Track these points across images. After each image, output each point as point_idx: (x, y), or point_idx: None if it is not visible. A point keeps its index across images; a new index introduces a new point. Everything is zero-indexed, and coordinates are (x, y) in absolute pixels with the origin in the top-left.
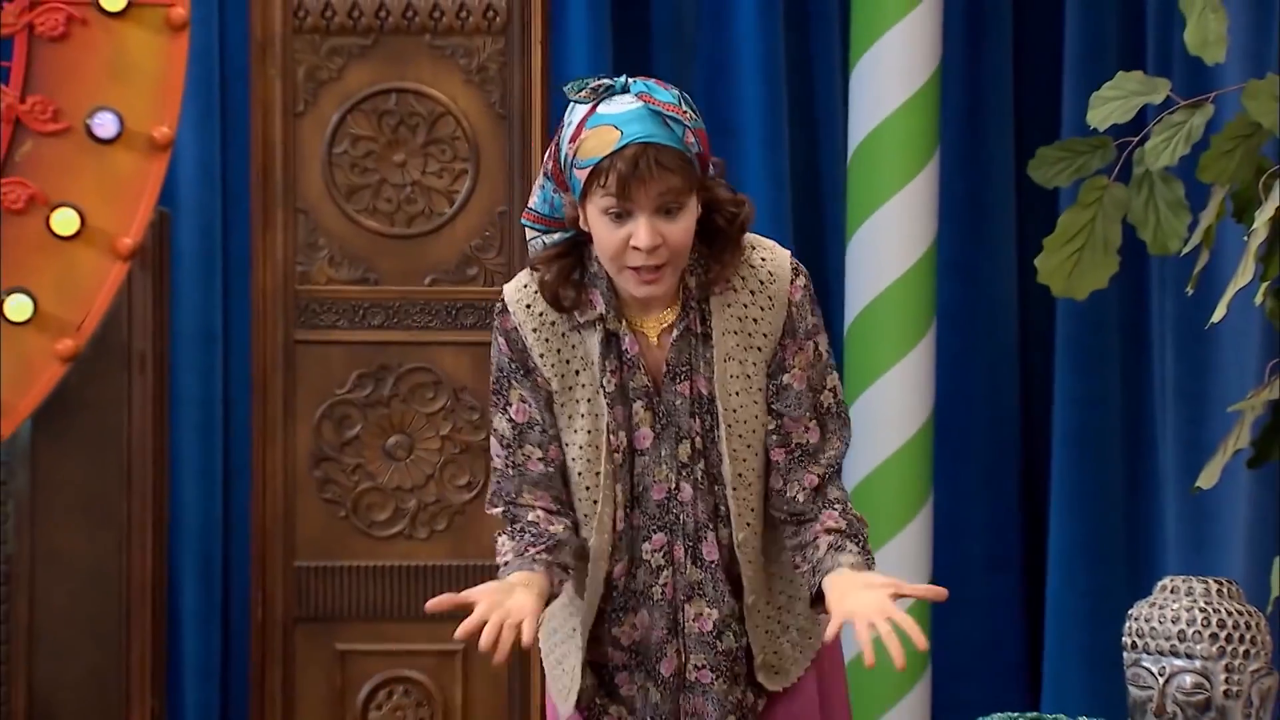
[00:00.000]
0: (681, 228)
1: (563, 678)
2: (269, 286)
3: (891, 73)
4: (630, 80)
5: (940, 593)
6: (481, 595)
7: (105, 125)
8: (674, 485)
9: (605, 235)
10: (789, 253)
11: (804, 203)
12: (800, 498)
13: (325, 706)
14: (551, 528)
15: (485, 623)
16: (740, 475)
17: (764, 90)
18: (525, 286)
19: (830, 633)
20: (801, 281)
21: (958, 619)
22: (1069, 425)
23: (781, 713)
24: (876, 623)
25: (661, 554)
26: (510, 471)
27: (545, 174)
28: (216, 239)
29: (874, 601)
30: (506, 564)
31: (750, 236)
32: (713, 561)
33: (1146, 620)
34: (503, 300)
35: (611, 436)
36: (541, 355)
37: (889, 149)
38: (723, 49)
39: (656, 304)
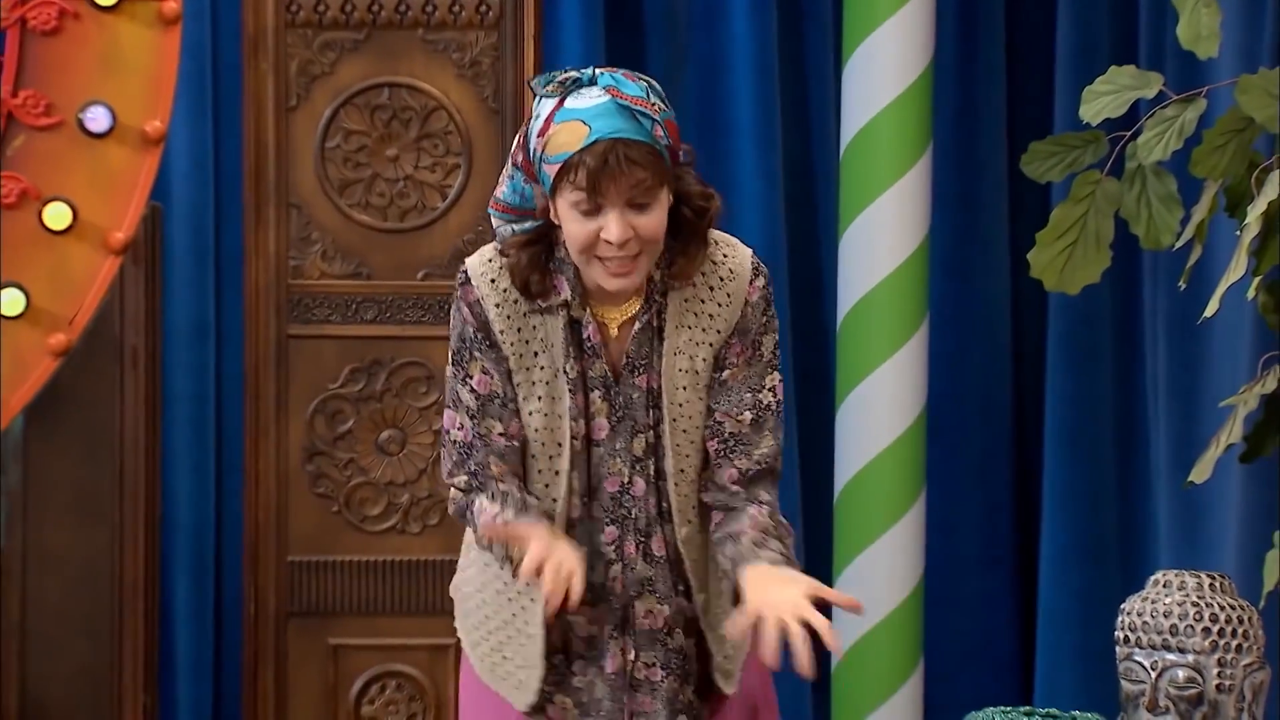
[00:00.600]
0: (653, 220)
1: (507, 667)
2: (261, 281)
3: (884, 69)
4: (598, 72)
5: (855, 605)
6: (533, 533)
7: (97, 119)
8: (627, 479)
9: (575, 229)
10: (751, 251)
11: (796, 199)
12: (731, 486)
13: (318, 701)
14: (524, 495)
15: (542, 564)
16: (682, 471)
17: (756, 86)
18: (490, 261)
19: (738, 630)
20: (760, 282)
21: (950, 615)
22: (1061, 421)
23: (730, 712)
24: (788, 623)
25: (613, 548)
26: (477, 442)
27: (514, 165)
28: (209, 233)
29: (788, 599)
30: (508, 523)
31: (713, 233)
32: (662, 557)
33: (1139, 614)
34: (465, 272)
35: (573, 424)
36: (502, 332)
37: (881, 145)
38: (715, 45)
39: (622, 295)
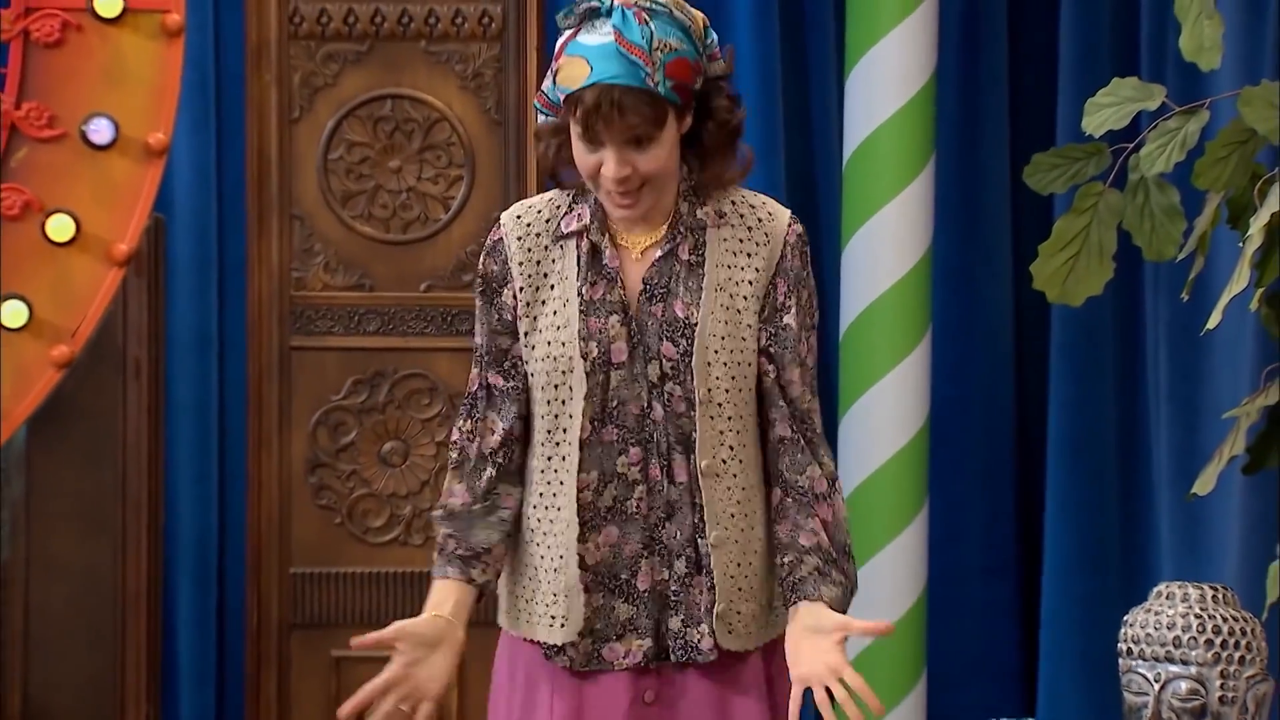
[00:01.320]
0: (652, 157)
1: (538, 607)
2: (264, 292)
3: (887, 79)
4: (615, 4)
5: (886, 628)
6: (401, 646)
7: (100, 131)
8: (646, 403)
9: (581, 158)
10: (790, 210)
11: (800, 209)
12: (796, 481)
13: (320, 712)
14: (501, 487)
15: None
16: (706, 404)
17: (759, 96)
18: (522, 202)
19: (792, 711)
20: (799, 228)
21: (953, 625)
22: (1064, 431)
23: (729, 680)
24: (832, 687)
25: (638, 469)
26: (480, 394)
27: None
28: (212, 245)
29: (826, 662)
30: (441, 550)
31: (751, 192)
32: (684, 483)
33: (1142, 626)
34: (499, 217)
35: (583, 344)
36: (521, 264)
37: (884, 155)
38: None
39: (643, 222)
